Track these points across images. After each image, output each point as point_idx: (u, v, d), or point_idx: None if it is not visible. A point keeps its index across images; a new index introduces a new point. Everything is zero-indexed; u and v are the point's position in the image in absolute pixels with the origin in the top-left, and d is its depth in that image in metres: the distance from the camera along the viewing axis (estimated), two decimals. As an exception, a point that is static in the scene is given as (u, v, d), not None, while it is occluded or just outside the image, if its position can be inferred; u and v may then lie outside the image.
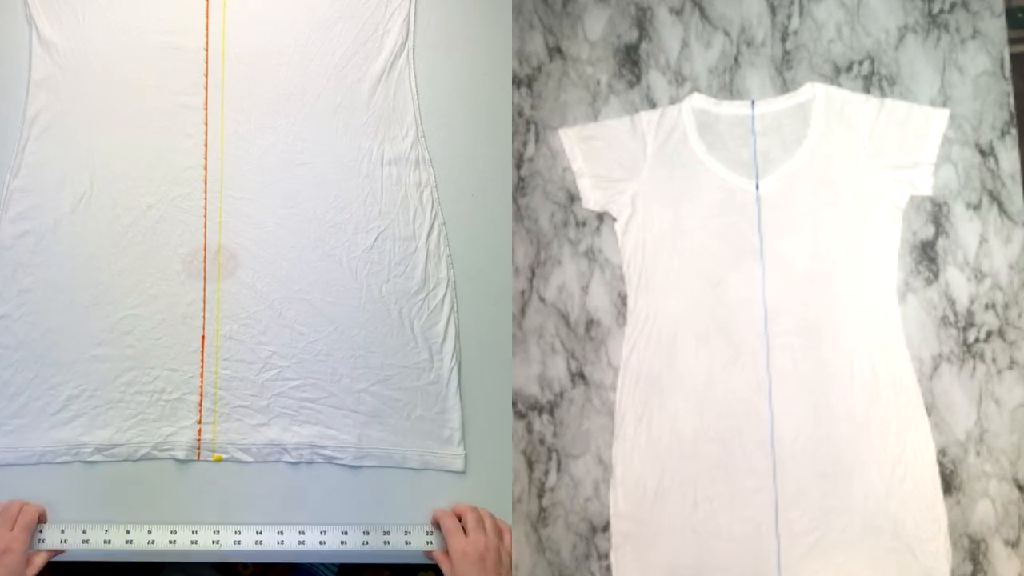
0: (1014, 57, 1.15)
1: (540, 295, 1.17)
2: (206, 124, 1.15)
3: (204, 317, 1.13)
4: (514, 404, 1.14)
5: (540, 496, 1.13)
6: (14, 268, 1.12)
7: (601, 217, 1.17)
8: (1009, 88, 1.14)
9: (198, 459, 1.11)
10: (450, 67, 1.19)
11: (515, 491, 1.13)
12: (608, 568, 1.10)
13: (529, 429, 1.14)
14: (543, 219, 1.18)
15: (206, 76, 1.16)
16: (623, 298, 1.15)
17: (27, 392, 1.10)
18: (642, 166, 1.16)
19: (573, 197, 1.18)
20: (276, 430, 1.12)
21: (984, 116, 1.14)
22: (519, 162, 1.19)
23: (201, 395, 1.12)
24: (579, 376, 1.14)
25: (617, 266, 1.16)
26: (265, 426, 1.12)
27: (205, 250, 1.14)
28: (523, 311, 1.16)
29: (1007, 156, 1.13)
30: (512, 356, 1.15)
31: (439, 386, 1.14)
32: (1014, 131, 1.14)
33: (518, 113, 1.20)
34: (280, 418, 1.12)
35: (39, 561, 1.05)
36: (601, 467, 1.12)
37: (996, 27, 1.16)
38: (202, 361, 1.12)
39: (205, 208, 1.14)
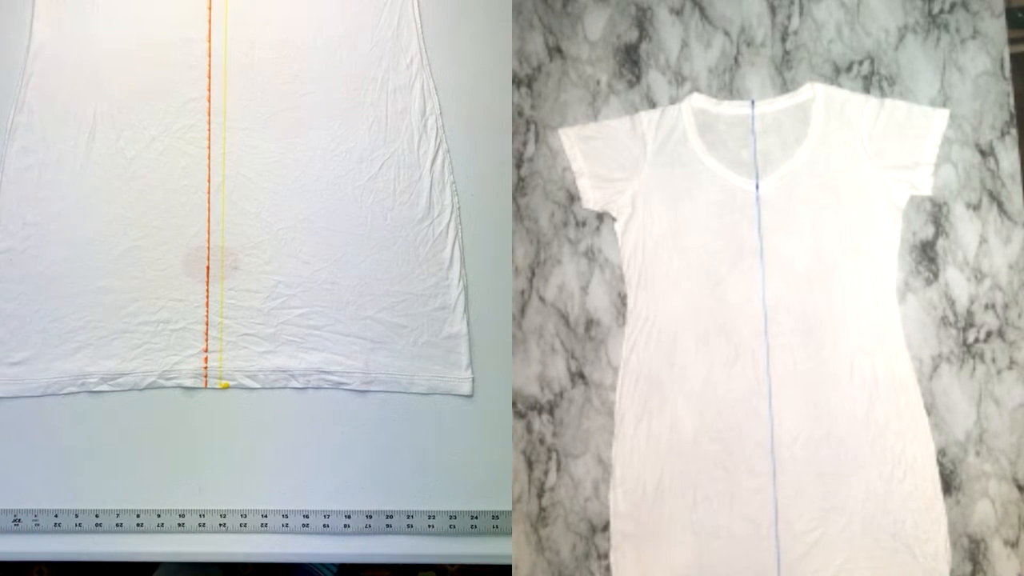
0: (1014, 57, 1.15)
1: (540, 295, 1.17)
2: (209, 56, 1.15)
3: (209, 247, 1.13)
4: (514, 404, 1.14)
5: (540, 496, 1.13)
6: (19, 202, 1.13)
7: (601, 217, 1.17)
8: (1009, 88, 1.14)
9: (205, 387, 1.12)
10: (450, 67, 1.19)
11: (515, 491, 1.13)
12: (608, 568, 1.10)
13: (529, 429, 1.14)
14: (543, 219, 1.18)
15: (209, 9, 1.16)
16: (623, 298, 1.15)
17: (31, 325, 1.11)
18: (642, 166, 1.16)
19: (573, 197, 1.18)
20: (283, 357, 1.12)
21: (984, 116, 1.14)
22: (519, 162, 1.19)
23: (207, 324, 1.12)
24: (579, 376, 1.14)
25: (617, 266, 1.16)
26: (272, 353, 1.12)
27: (209, 181, 1.14)
28: (523, 311, 1.16)
29: (1007, 156, 1.13)
30: (512, 356, 1.16)
31: (445, 311, 1.14)
32: (1014, 131, 1.13)
33: (518, 113, 1.20)
34: (287, 345, 1.13)
35: None
36: (601, 467, 1.12)
37: (996, 27, 1.16)
38: (207, 291, 1.13)
39: (209, 139, 1.14)
